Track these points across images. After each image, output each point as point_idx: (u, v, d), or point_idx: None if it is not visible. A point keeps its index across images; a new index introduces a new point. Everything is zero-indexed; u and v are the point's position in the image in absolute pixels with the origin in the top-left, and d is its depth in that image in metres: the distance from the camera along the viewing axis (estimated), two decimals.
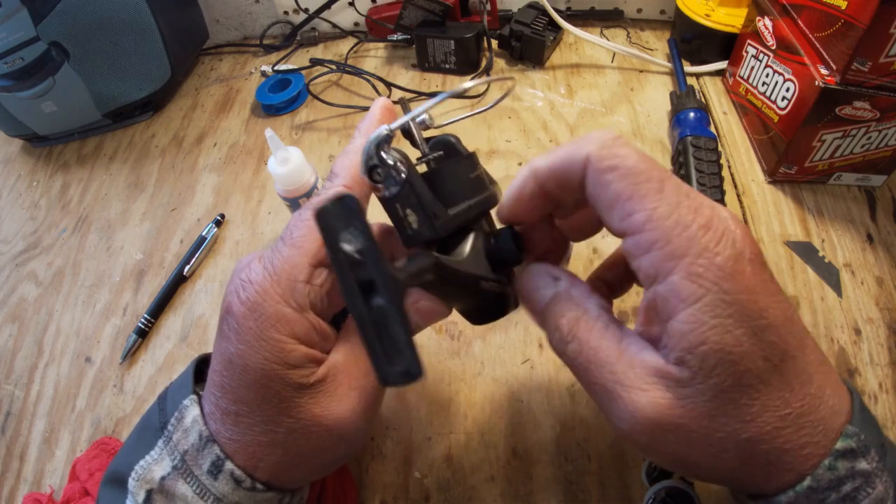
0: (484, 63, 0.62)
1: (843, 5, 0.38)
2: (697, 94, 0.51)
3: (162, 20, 0.58)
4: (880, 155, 0.44)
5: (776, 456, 0.20)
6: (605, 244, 0.45)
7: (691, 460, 0.21)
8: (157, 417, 0.25)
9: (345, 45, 0.68)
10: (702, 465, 0.21)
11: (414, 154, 0.26)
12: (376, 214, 0.26)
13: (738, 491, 0.23)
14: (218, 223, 0.50)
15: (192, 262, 0.47)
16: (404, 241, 0.25)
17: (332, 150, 0.56)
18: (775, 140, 0.47)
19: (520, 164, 0.52)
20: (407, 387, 0.22)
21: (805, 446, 0.20)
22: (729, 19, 0.56)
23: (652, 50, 0.62)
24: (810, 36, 0.42)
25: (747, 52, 0.51)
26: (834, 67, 0.40)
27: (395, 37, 0.64)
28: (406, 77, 0.63)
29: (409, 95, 0.60)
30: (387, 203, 0.24)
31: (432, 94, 0.60)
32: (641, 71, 0.60)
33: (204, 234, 0.49)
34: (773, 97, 0.47)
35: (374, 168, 0.23)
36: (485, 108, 0.31)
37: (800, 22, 0.44)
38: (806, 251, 0.44)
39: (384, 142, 0.23)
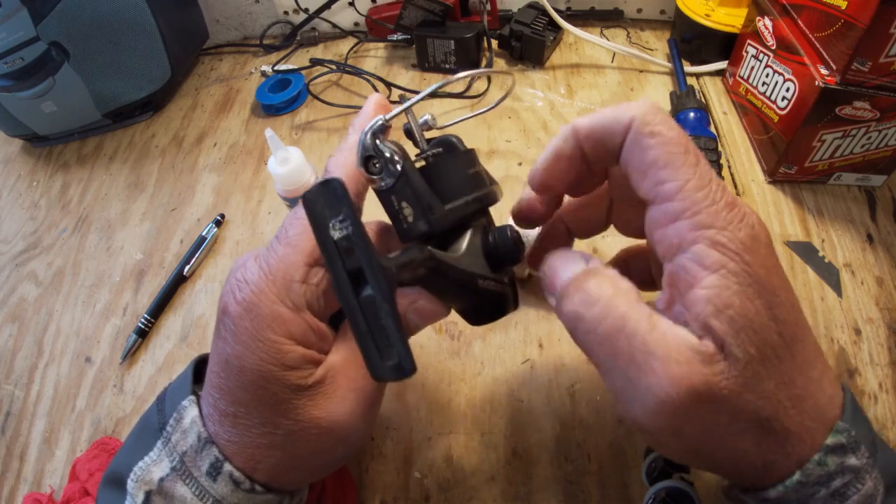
0: (484, 63, 0.62)
1: (843, 5, 0.38)
2: (697, 94, 0.52)
3: (162, 20, 0.58)
4: (880, 155, 0.44)
5: (783, 437, 0.20)
6: (605, 244, 0.45)
7: (711, 443, 0.21)
8: (155, 418, 0.25)
9: (345, 45, 0.68)
10: (718, 449, 0.21)
11: (414, 153, 0.26)
12: (377, 214, 0.26)
13: (734, 484, 0.23)
14: (218, 223, 0.50)
15: (192, 262, 0.47)
16: (400, 236, 0.24)
17: (332, 150, 0.56)
18: (775, 140, 0.47)
19: (520, 164, 0.52)
20: (399, 381, 0.21)
21: (806, 431, 0.20)
22: (729, 19, 0.56)
23: (652, 50, 0.62)
24: (810, 36, 0.42)
25: (747, 52, 0.51)
26: (834, 67, 0.40)
27: (395, 37, 0.64)
28: (406, 77, 0.63)
29: (409, 95, 0.60)
30: (383, 195, 0.24)
31: (433, 94, 0.60)
32: (641, 71, 0.60)
33: (204, 234, 0.49)
34: (773, 97, 0.47)
35: (370, 159, 0.23)
36: (487, 108, 0.31)
37: (800, 22, 0.44)
38: (806, 251, 0.44)
39: (380, 132, 0.23)
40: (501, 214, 0.44)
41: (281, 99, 0.59)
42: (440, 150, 0.26)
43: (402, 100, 0.27)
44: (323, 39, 0.69)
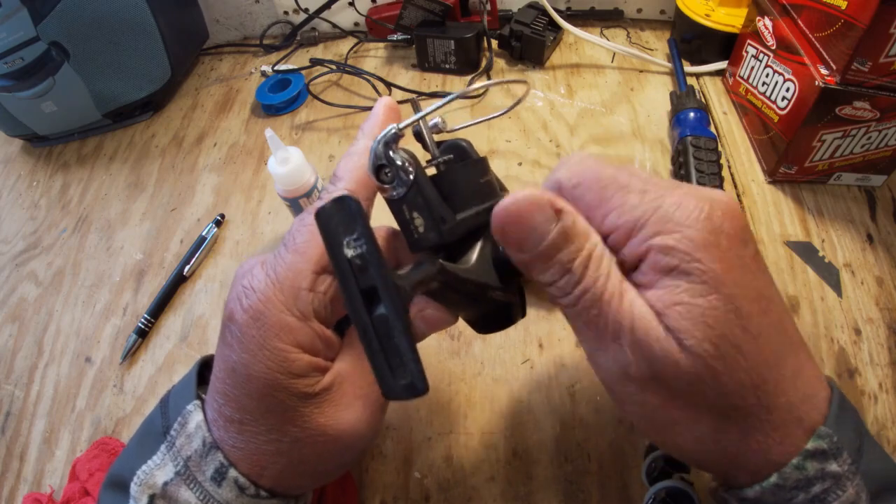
0: (484, 63, 0.62)
1: (843, 5, 0.38)
2: (697, 94, 0.51)
3: (162, 20, 0.58)
4: (880, 155, 0.44)
5: (746, 433, 0.20)
6: None
7: (670, 417, 0.21)
8: (159, 421, 0.25)
9: (345, 45, 0.68)
10: (676, 425, 0.21)
11: (424, 158, 0.26)
12: (383, 218, 0.26)
13: (721, 485, 0.23)
14: (218, 223, 0.50)
15: (192, 262, 0.47)
16: (410, 246, 0.24)
17: (332, 150, 0.56)
18: (775, 140, 0.47)
19: (520, 164, 0.52)
20: (411, 401, 0.21)
21: (776, 429, 0.20)
22: (729, 19, 0.56)
23: (652, 50, 0.62)
24: (810, 36, 0.42)
25: (747, 52, 0.51)
26: (834, 67, 0.40)
27: (395, 37, 0.64)
28: (406, 77, 0.63)
29: (409, 95, 0.60)
30: (393, 204, 0.24)
31: (433, 94, 0.60)
32: (641, 71, 0.60)
33: (204, 234, 0.49)
34: (773, 97, 0.47)
35: (381, 168, 0.23)
36: (499, 112, 0.30)
37: (800, 22, 0.44)
38: (806, 251, 0.44)
39: (392, 141, 0.23)
40: None
41: (281, 99, 0.59)
42: (451, 156, 0.26)
43: (412, 104, 0.27)
44: (323, 39, 0.69)
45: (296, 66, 0.64)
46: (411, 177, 0.22)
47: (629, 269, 0.21)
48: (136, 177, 0.57)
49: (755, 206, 0.47)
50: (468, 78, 0.61)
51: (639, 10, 0.65)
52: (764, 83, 0.48)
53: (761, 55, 0.48)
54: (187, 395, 0.25)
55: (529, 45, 0.60)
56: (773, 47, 0.46)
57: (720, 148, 0.49)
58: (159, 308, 0.45)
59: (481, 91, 0.59)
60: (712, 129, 0.51)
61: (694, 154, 0.46)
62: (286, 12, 0.69)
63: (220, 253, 0.49)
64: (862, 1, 0.37)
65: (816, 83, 0.41)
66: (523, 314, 0.27)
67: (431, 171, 0.25)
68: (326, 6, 0.66)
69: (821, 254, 0.43)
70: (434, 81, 0.62)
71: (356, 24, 0.69)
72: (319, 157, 0.56)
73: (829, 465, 0.20)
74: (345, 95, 0.62)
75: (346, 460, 0.26)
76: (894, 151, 0.44)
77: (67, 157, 0.61)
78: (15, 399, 0.43)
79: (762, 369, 0.20)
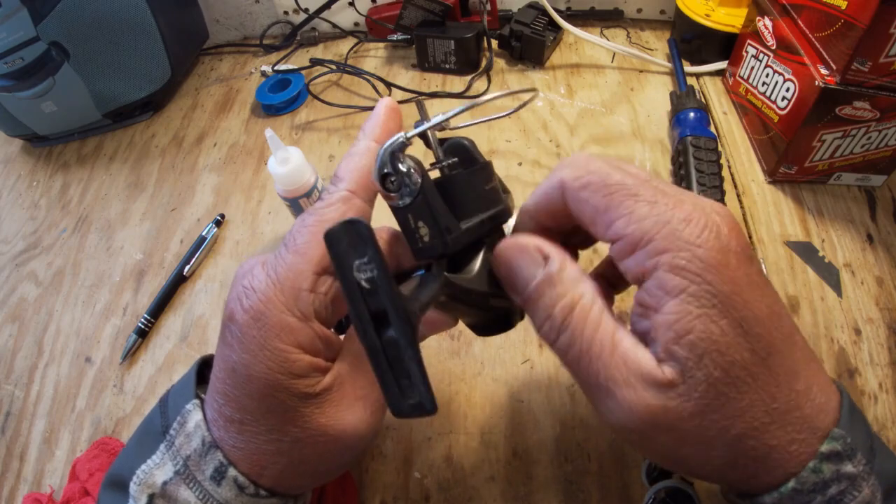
0: (484, 63, 0.62)
1: (843, 5, 0.38)
2: (697, 94, 0.52)
3: (162, 20, 0.58)
4: (880, 155, 0.44)
5: (764, 452, 0.20)
6: (604, 244, 0.45)
7: (682, 455, 0.21)
8: (158, 421, 0.25)
9: (345, 45, 0.68)
10: (692, 461, 0.21)
11: (426, 156, 0.26)
12: (383, 218, 0.26)
13: (729, 490, 0.23)
14: (218, 223, 0.51)
15: (192, 262, 0.47)
16: (414, 253, 0.24)
17: (332, 150, 0.56)
18: (775, 140, 0.47)
19: (520, 164, 0.52)
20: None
21: (792, 443, 0.20)
22: (729, 19, 0.56)
23: (652, 50, 0.62)
24: (810, 36, 0.42)
25: (747, 52, 0.51)
26: (834, 67, 0.40)
27: (395, 37, 0.64)
28: (406, 77, 0.63)
29: (409, 95, 0.60)
30: (398, 212, 0.24)
31: (433, 94, 0.60)
32: (641, 71, 0.60)
33: (204, 234, 0.49)
34: (773, 97, 0.47)
35: (387, 176, 0.23)
36: (503, 113, 0.30)
37: (800, 22, 0.44)
38: (806, 251, 0.44)
39: (399, 150, 0.22)
40: None
41: (281, 99, 0.59)
42: (455, 159, 0.26)
43: (418, 103, 0.27)
44: (323, 39, 0.69)
45: (296, 66, 0.64)
46: (417, 186, 0.22)
47: (633, 282, 0.21)
48: (136, 177, 0.57)
49: (755, 206, 0.47)
50: (468, 78, 0.61)
51: (639, 10, 0.65)
52: (764, 83, 0.48)
53: (761, 55, 0.48)
54: (186, 395, 0.25)
55: (529, 45, 0.60)
56: (773, 47, 0.46)
57: (720, 148, 0.49)
58: (159, 308, 0.45)
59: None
60: (712, 129, 0.51)
61: (694, 154, 0.46)
62: (286, 12, 0.69)
63: (220, 253, 0.49)
64: (862, 1, 0.37)
65: (816, 83, 0.41)
66: (522, 317, 0.27)
67: (435, 173, 0.25)
68: (326, 6, 0.66)
69: (821, 254, 0.43)
70: (434, 81, 0.62)
71: (356, 24, 0.69)
72: (319, 157, 0.56)
73: (845, 466, 0.20)
74: (345, 95, 0.62)
75: (346, 460, 0.26)
76: (894, 151, 0.44)
77: (67, 157, 0.61)
78: (15, 399, 0.43)
79: (772, 388, 0.20)
